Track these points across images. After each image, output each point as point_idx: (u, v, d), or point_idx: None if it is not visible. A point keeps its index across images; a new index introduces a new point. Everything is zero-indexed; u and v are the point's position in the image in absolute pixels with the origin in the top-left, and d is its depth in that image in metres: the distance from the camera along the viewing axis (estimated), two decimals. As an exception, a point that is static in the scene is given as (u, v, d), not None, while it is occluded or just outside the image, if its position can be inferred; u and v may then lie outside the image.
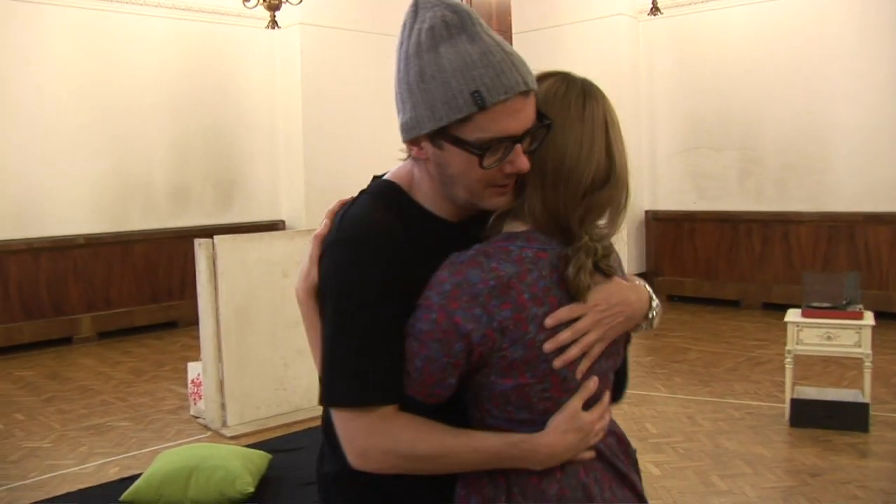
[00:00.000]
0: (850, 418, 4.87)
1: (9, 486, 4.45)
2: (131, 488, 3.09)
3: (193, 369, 5.59)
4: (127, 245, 8.58)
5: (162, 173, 8.98)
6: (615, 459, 1.55)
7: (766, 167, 8.95)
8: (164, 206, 8.99)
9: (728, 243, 9.12)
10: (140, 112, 8.74)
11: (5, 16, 7.82)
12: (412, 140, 1.43)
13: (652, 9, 8.61)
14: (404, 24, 1.45)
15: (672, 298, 9.50)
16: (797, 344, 4.98)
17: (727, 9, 9.09)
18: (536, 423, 1.43)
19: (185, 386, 5.90)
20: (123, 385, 6.52)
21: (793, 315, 5.06)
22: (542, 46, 10.13)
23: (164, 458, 3.25)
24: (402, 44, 1.44)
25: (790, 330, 4.99)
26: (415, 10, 1.43)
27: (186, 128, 9.11)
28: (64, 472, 4.64)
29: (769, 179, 8.93)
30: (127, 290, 8.53)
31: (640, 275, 9.73)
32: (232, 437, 5.09)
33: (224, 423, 5.26)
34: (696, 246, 9.34)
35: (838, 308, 4.93)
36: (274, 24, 7.75)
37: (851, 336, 4.85)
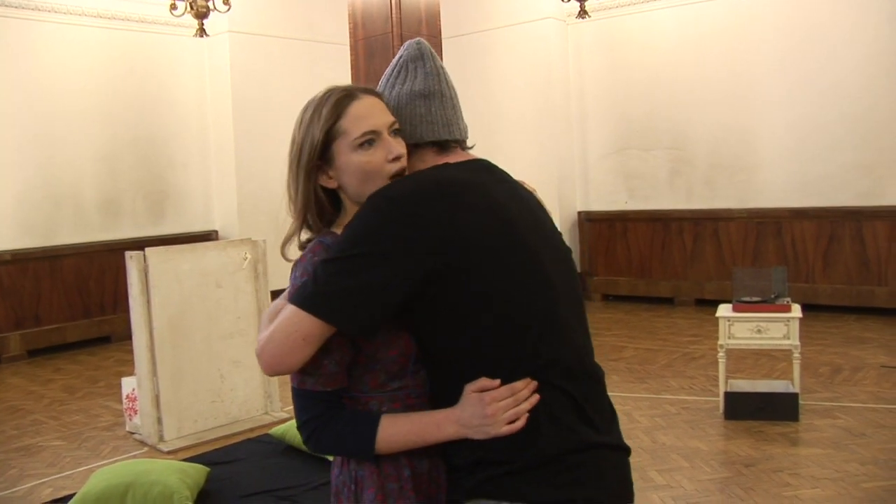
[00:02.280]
0: (780, 409, 4.99)
1: (-64, 512, 4.32)
2: (65, 508, 3.02)
3: (128, 384, 5.49)
4: (56, 259, 8.38)
5: (91, 185, 8.80)
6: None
7: (695, 167, 9.13)
8: (94, 218, 8.81)
9: (660, 242, 9.28)
10: (68, 123, 8.56)
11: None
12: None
13: (580, 12, 8.71)
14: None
15: (607, 298, 9.63)
16: (729, 338, 5.09)
17: (655, 11, 9.27)
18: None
19: (120, 402, 5.79)
20: (56, 403, 6.37)
21: (724, 310, 5.17)
22: (471, 51, 10.21)
23: (99, 476, 3.18)
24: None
25: (722, 325, 5.10)
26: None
27: (116, 138, 8.95)
28: (-6, 495, 4.53)
29: (698, 178, 9.12)
30: (57, 306, 8.33)
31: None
32: (169, 452, 5.01)
33: (161, 438, 5.18)
34: (630, 245, 9.49)
35: (767, 302, 5.06)
36: (202, 32, 7.65)
37: (780, 329, 4.98)
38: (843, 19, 8.10)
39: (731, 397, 5.11)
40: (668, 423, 5.11)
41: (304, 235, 1.73)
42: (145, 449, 5.16)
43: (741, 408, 5.06)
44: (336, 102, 1.64)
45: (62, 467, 4.94)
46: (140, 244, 6.01)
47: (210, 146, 9.70)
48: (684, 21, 9.07)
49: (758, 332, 5.04)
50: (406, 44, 1.81)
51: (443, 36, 8.15)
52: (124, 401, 5.55)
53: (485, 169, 1.74)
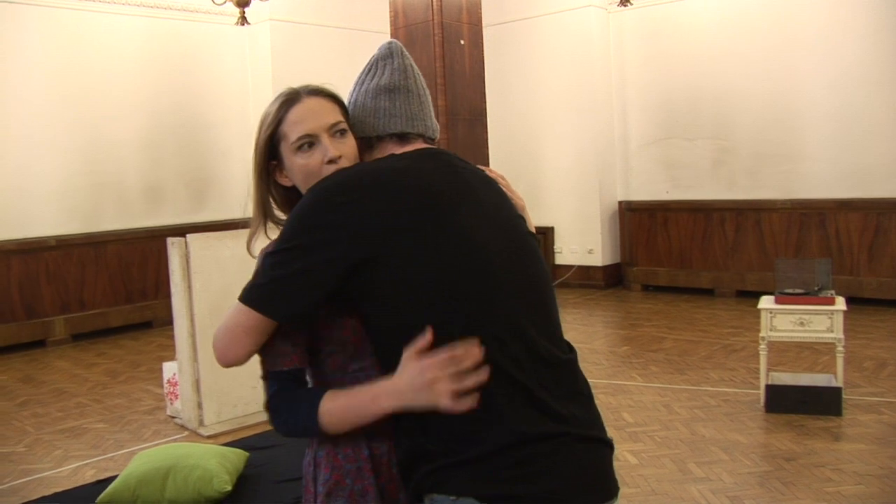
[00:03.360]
0: (823, 403, 4.92)
1: (-17, 492, 4.41)
2: (107, 490, 3.06)
3: (169, 369, 5.56)
4: (99, 245, 8.50)
5: (134, 172, 8.91)
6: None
7: (738, 156, 9.01)
8: (136, 205, 8.92)
9: (702, 232, 9.18)
10: (111, 111, 8.67)
11: (-30, 16, 7.74)
12: None
13: (622, 0, 8.64)
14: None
15: (647, 288, 9.56)
16: (771, 330, 5.02)
17: (697, -1, 9.15)
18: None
19: (161, 386, 5.86)
20: (99, 387, 6.47)
21: (766, 302, 5.10)
22: (513, 39, 10.16)
23: (141, 459, 3.22)
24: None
25: (764, 316, 5.03)
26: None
27: (159, 126, 9.04)
28: (39, 476, 4.60)
29: (741, 168, 9.00)
30: (100, 291, 8.46)
31: (616, 265, 9.80)
32: (209, 436, 5.07)
33: (201, 423, 5.24)
34: (670, 235, 9.40)
35: (810, 294, 4.98)
36: (244, 20, 7.70)
37: (824, 321, 4.90)
38: (890, 5, 7.93)
39: (772, 390, 5.05)
40: (707, 416, 5.06)
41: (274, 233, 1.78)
42: (185, 433, 5.23)
43: (783, 401, 5.00)
44: (279, 107, 1.73)
45: (105, 449, 5.02)
46: (181, 231, 6.07)
47: (251, 134, 9.70)
48: (727, 9, 8.94)
49: (800, 325, 4.96)
50: (380, 45, 1.86)
51: (483, 24, 8.12)
52: (165, 385, 5.62)
53: (429, 156, 1.73)
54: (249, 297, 1.61)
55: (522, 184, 10.14)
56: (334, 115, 1.72)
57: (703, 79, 9.16)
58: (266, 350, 1.66)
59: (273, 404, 1.65)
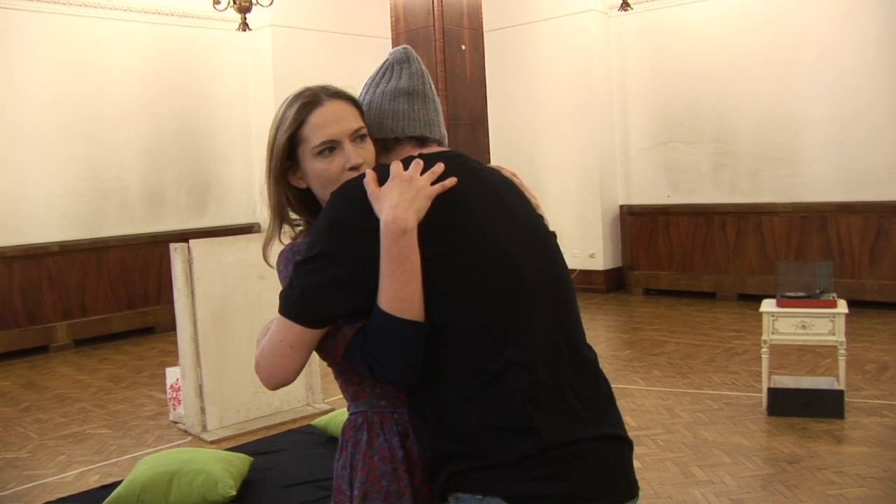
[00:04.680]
0: (825, 406, 4.93)
1: (-13, 497, 4.42)
2: (112, 495, 3.07)
3: (172, 374, 5.57)
4: (102, 251, 8.52)
5: (136, 178, 8.92)
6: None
7: (738, 160, 9.03)
8: (138, 211, 8.94)
9: (703, 236, 9.19)
10: (113, 116, 8.69)
11: (-27, 23, 7.76)
12: None
13: (622, 4, 8.66)
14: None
15: (649, 292, 9.57)
16: (773, 333, 5.03)
17: (697, 3, 9.17)
18: None
19: (164, 391, 5.87)
20: (102, 392, 6.48)
21: (768, 305, 5.11)
22: (513, 44, 10.18)
23: (145, 464, 3.23)
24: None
25: (765, 320, 5.04)
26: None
27: (160, 132, 9.06)
28: (43, 481, 4.61)
29: (742, 172, 9.01)
30: (103, 297, 8.47)
31: (617, 269, 9.81)
32: (212, 442, 5.08)
33: (204, 428, 5.25)
34: (672, 239, 9.41)
35: (812, 297, 4.99)
36: (245, 26, 7.72)
37: (825, 324, 4.91)
38: (890, 9, 7.95)
39: (774, 393, 5.05)
40: (710, 419, 5.07)
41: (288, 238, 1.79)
42: (189, 438, 5.23)
43: (785, 404, 5.01)
44: (299, 108, 1.69)
45: (108, 455, 5.03)
46: (183, 236, 6.09)
47: (252, 139, 9.78)
48: (727, 13, 8.96)
49: (802, 328, 4.97)
50: (392, 50, 1.85)
51: (484, 29, 8.14)
52: (168, 391, 5.63)
53: (449, 158, 1.71)
54: (292, 311, 1.58)
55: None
56: (356, 121, 1.71)
57: (704, 83, 9.18)
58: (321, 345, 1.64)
59: (366, 362, 1.58)
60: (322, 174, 1.67)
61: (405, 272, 1.53)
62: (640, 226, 9.67)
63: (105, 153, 8.66)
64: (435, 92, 1.83)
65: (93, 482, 4.49)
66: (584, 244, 9.89)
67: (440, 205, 1.59)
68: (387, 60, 1.82)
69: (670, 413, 5.23)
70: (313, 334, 1.59)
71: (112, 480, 4.25)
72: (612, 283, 9.87)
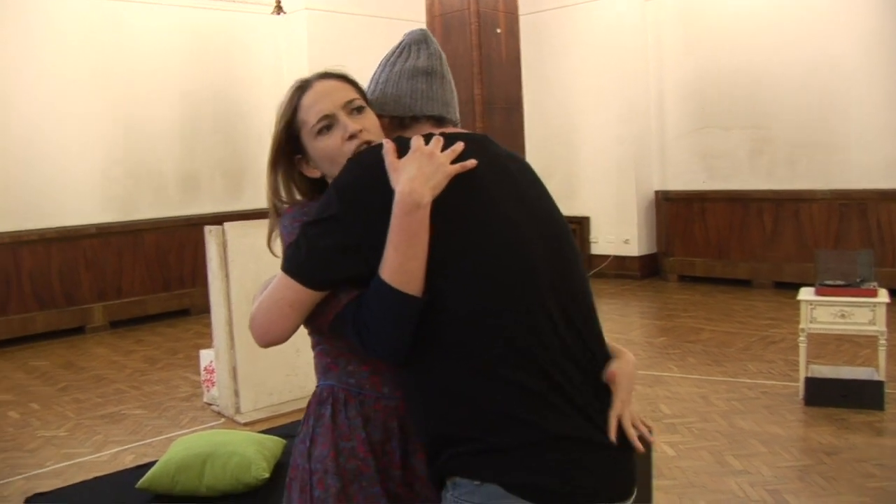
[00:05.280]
0: (865, 396, 4.84)
1: (26, 475, 4.48)
2: (147, 476, 3.09)
3: (206, 357, 5.61)
4: (137, 234, 8.59)
5: (171, 161, 8.98)
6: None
7: (776, 145, 8.88)
8: (173, 194, 9.00)
9: (739, 223, 9.07)
10: (149, 100, 8.74)
11: (14, 4, 7.82)
12: None
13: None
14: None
15: (684, 278, 9.47)
16: (811, 322, 4.95)
17: (736, -14, 9.02)
18: None
19: (199, 373, 5.91)
20: (137, 373, 6.55)
21: (806, 293, 5.03)
22: (548, 28, 10.09)
23: (179, 446, 3.24)
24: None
25: (804, 308, 4.96)
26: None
27: (195, 115, 9.11)
28: (80, 460, 4.67)
29: (780, 158, 8.87)
30: (138, 279, 8.55)
31: (652, 256, 9.72)
32: (246, 424, 5.11)
33: (238, 410, 5.28)
34: (708, 226, 9.30)
35: (852, 286, 4.90)
36: (279, 9, 7.73)
37: (866, 314, 4.82)
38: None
39: (812, 383, 4.98)
40: (746, 408, 5.01)
41: None
42: (222, 420, 5.27)
43: (823, 394, 4.93)
44: (291, 96, 1.74)
45: (143, 435, 5.07)
46: (218, 219, 6.09)
47: (287, 123, 9.79)
48: (767, -5, 8.81)
49: (841, 317, 4.89)
50: (409, 31, 1.85)
51: (520, 12, 8.07)
52: (202, 373, 5.67)
53: (470, 140, 1.68)
54: (297, 270, 1.58)
55: (558, 173, 10.09)
56: (348, 93, 1.72)
57: (740, 66, 9.03)
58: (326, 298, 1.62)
59: (357, 333, 1.57)
60: (325, 151, 1.69)
61: (412, 246, 1.51)
62: (675, 212, 9.57)
63: (141, 137, 8.72)
64: (451, 74, 1.83)
65: (128, 462, 4.54)
66: (618, 230, 9.81)
67: (457, 184, 1.57)
68: (402, 41, 1.83)
69: (705, 401, 5.17)
70: (313, 296, 1.58)
71: (147, 461, 4.29)
72: (647, 269, 9.79)
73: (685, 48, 9.51)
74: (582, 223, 10.03)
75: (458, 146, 1.62)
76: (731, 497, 3.77)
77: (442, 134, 1.67)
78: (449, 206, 1.55)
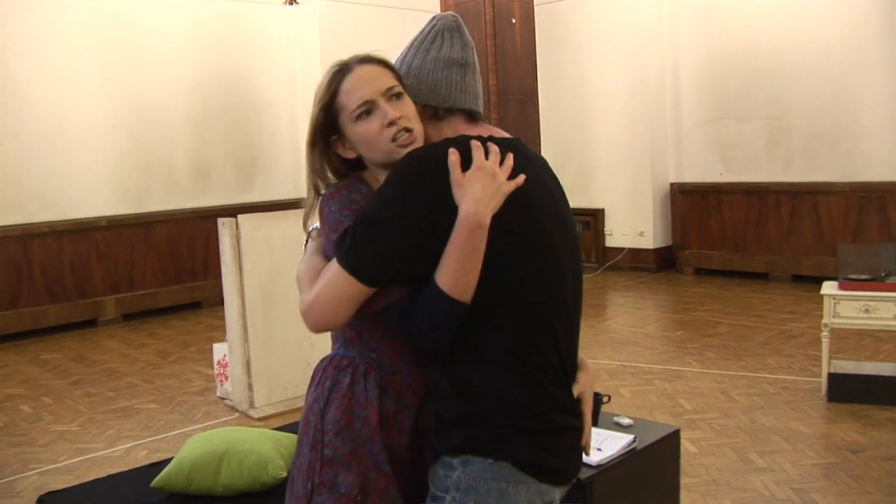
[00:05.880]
0: (889, 393, 4.76)
1: (40, 470, 4.44)
2: (162, 474, 3.03)
3: (219, 350, 5.55)
4: (149, 226, 8.54)
5: (183, 153, 8.93)
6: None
7: (794, 137, 8.77)
8: (185, 185, 8.95)
9: (756, 215, 8.96)
10: (160, 92, 8.68)
11: (23, -3, 7.78)
12: None
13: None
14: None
15: (699, 272, 9.37)
16: (834, 317, 4.86)
17: (753, -25, 8.89)
18: None
19: (212, 367, 5.86)
20: (149, 367, 6.50)
21: (829, 287, 4.93)
22: (564, 17, 10.00)
23: (194, 443, 3.18)
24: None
25: (827, 303, 4.87)
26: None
27: (206, 107, 9.04)
28: (93, 455, 4.63)
29: (798, 149, 8.76)
30: (150, 272, 8.50)
31: (667, 248, 9.63)
32: (260, 419, 5.05)
33: (251, 404, 5.22)
34: (724, 218, 9.20)
35: (877, 280, 4.81)
36: (292, 0, 7.64)
37: (891, 308, 4.72)
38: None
39: (834, 378, 4.89)
40: (767, 403, 4.93)
41: None
42: (236, 415, 5.21)
43: (846, 390, 4.84)
44: (331, 79, 1.75)
45: (156, 430, 5.03)
46: (229, 211, 6.04)
47: (299, 114, 9.73)
48: (786, -15, 8.68)
49: (865, 312, 4.79)
50: (438, 14, 1.86)
51: (535, 2, 7.97)
52: (216, 366, 5.62)
53: (512, 147, 1.73)
54: (358, 268, 1.63)
55: (573, 165, 10.01)
56: (388, 80, 1.73)
57: (758, 57, 8.91)
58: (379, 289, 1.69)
59: (407, 329, 1.67)
60: (364, 136, 1.71)
61: (471, 261, 1.59)
62: (691, 204, 9.47)
63: (152, 128, 8.67)
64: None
65: (141, 457, 4.49)
66: (633, 222, 9.72)
67: (511, 197, 1.65)
68: (435, 25, 1.82)
69: (726, 397, 5.09)
70: (370, 291, 1.65)
71: (160, 456, 4.25)
72: (662, 261, 9.70)
73: (702, 39, 9.39)
74: (596, 215, 9.94)
75: (510, 160, 1.66)
76: (756, 496, 3.69)
77: (490, 138, 1.72)
78: (503, 218, 1.63)
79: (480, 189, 1.59)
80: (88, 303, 8.07)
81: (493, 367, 1.67)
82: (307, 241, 1.87)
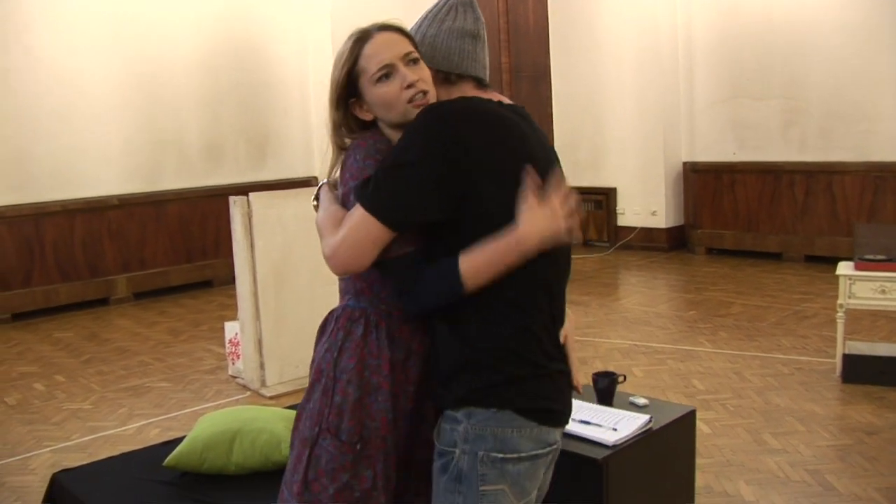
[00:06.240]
0: (905, 374, 4.72)
1: (53, 448, 4.45)
2: (174, 453, 3.03)
3: (231, 329, 5.55)
4: (160, 204, 8.53)
5: (194, 131, 8.90)
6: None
7: (809, 116, 8.67)
8: (196, 164, 8.93)
9: (770, 195, 8.89)
10: (170, 69, 8.64)
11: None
12: None
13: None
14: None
15: (712, 251, 9.32)
16: (849, 298, 4.82)
17: (769, -49, 8.77)
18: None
19: (223, 346, 5.86)
20: (161, 345, 6.51)
21: (845, 268, 4.89)
22: (576, -6, 9.89)
23: (206, 422, 3.17)
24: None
25: (842, 283, 4.82)
26: None
27: (217, 84, 9.00)
28: (106, 433, 4.64)
29: (813, 129, 8.67)
30: (161, 250, 8.50)
31: (679, 228, 9.58)
32: (271, 397, 5.05)
33: (263, 383, 5.22)
34: (737, 198, 9.13)
35: (894, 261, 4.76)
36: (303, -24, 7.59)
37: (908, 289, 4.68)
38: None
39: (849, 360, 4.86)
40: (780, 384, 4.90)
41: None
42: (248, 393, 5.22)
43: (860, 371, 4.81)
44: (353, 45, 1.86)
45: (168, 409, 5.03)
46: (241, 189, 6.02)
47: (310, 92, 9.69)
48: (802, -39, 8.56)
49: (881, 293, 4.75)
50: None
51: (548, -22, 7.89)
52: (227, 345, 5.62)
53: (521, 115, 1.91)
54: (383, 212, 1.73)
55: (585, 143, 9.95)
56: (406, 46, 1.85)
57: (774, 35, 8.80)
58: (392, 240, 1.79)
59: (407, 288, 1.80)
60: (384, 97, 1.82)
61: (498, 267, 1.72)
62: (703, 183, 9.40)
63: (163, 106, 8.64)
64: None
65: (153, 436, 4.49)
66: (645, 201, 9.66)
67: (518, 154, 1.78)
68: (447, 0, 1.96)
69: (739, 377, 5.06)
70: (392, 235, 1.75)
71: (172, 434, 4.25)
72: (674, 241, 9.64)
73: (716, 14, 9.27)
74: (608, 194, 9.88)
75: (573, 205, 1.76)
76: (770, 477, 3.67)
77: (500, 103, 1.89)
78: (514, 174, 1.74)
79: (544, 224, 1.70)
80: (100, 281, 8.08)
81: (493, 315, 1.77)
82: (317, 195, 1.97)
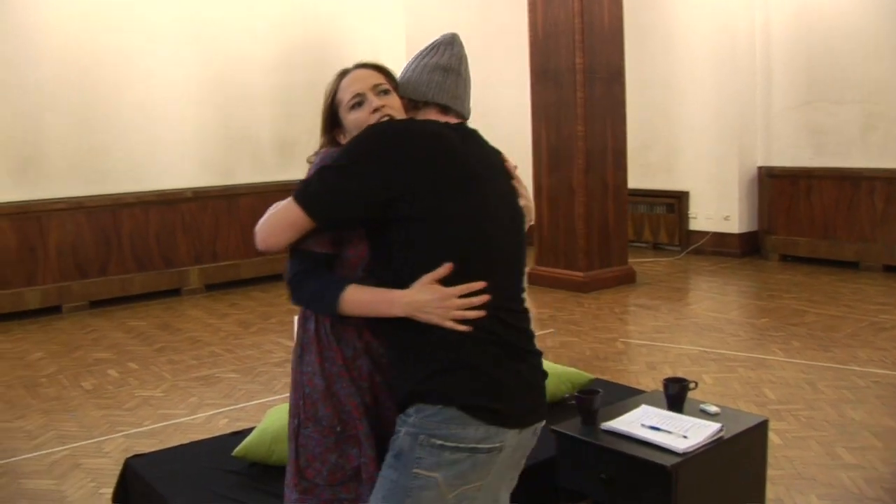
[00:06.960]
0: None
1: (126, 433, 4.56)
2: (243, 444, 3.07)
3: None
4: (233, 198, 8.67)
5: (268, 127, 9.03)
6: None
7: (891, 121, 8.42)
8: (269, 159, 9.05)
9: (847, 202, 8.66)
10: (246, 65, 8.79)
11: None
12: None
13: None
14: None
15: (786, 258, 9.12)
16: (932, 310, 4.67)
17: (853, -48, 8.53)
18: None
19: (292, 339, 5.91)
20: (231, 337, 6.62)
21: (927, 279, 4.73)
22: (652, -5, 9.78)
23: (276, 414, 3.22)
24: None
25: (924, 295, 4.67)
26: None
27: (292, 81, 9.11)
28: (176, 421, 4.73)
29: (894, 134, 8.40)
30: (233, 243, 8.64)
31: (752, 233, 9.39)
32: (338, 392, 5.08)
33: (330, 378, 5.26)
34: (813, 204, 8.91)
35: (980, 272, 4.59)
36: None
37: None
38: None
39: (930, 374, 4.70)
40: (856, 397, 4.76)
41: None
42: (315, 387, 5.25)
43: (941, 386, 4.65)
44: (334, 81, 2.19)
45: (237, 399, 5.11)
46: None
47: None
48: (887, -38, 8.30)
49: (966, 305, 4.59)
50: (444, 34, 2.22)
51: (624, -22, 7.79)
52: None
53: (464, 131, 2.11)
54: (303, 198, 1.97)
55: (657, 146, 9.83)
56: (377, 79, 2.14)
57: (853, 38, 8.54)
58: (310, 233, 2.00)
59: (299, 278, 2.03)
60: (356, 122, 2.09)
61: (372, 312, 1.96)
62: (779, 189, 9.20)
63: (238, 102, 8.78)
64: (468, 75, 2.20)
65: (222, 426, 4.57)
66: (718, 206, 9.49)
67: (453, 163, 1.98)
68: (437, 41, 2.20)
69: (812, 388, 4.94)
70: (309, 223, 1.97)
71: (240, 425, 4.30)
72: (747, 247, 9.46)
73: (795, 16, 9.06)
74: (681, 198, 9.74)
75: (475, 303, 1.92)
76: (844, 493, 3.57)
77: (447, 125, 2.08)
78: (447, 183, 1.95)
79: (431, 303, 1.88)
80: (173, 272, 8.25)
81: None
82: None
